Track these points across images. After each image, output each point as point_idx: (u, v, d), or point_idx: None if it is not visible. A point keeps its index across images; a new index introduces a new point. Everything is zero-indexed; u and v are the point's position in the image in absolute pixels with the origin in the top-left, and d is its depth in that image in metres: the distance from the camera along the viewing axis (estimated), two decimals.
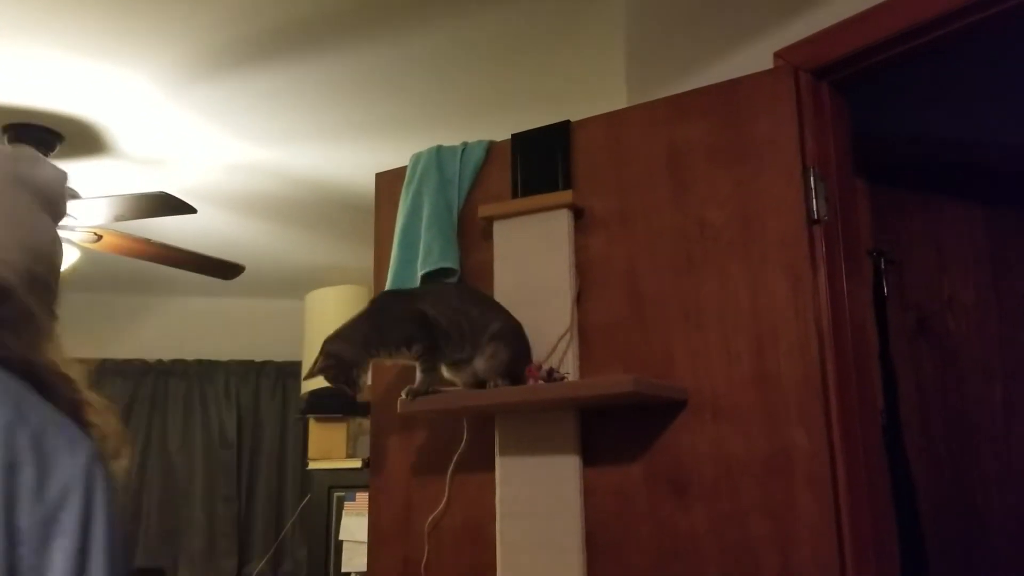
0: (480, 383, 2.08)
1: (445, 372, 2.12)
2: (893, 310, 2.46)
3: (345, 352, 2.07)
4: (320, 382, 4.55)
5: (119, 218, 3.42)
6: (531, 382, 1.98)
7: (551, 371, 2.00)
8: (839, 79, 2.03)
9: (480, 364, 2.05)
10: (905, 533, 2.22)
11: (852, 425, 1.86)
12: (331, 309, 4.73)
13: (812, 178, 1.92)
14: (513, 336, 2.07)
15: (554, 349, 2.07)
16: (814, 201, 1.91)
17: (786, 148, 1.94)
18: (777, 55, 2.05)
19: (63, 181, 1.07)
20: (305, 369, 4.69)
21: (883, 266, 2.45)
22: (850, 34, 1.94)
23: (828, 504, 1.78)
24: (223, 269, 4.06)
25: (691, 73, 2.29)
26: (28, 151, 1.09)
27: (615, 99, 2.52)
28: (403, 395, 2.08)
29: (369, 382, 2.18)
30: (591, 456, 2.03)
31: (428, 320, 2.06)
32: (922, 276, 2.55)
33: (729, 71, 2.08)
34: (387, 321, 2.11)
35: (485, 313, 2.09)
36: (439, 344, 2.06)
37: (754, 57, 2.11)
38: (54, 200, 1.06)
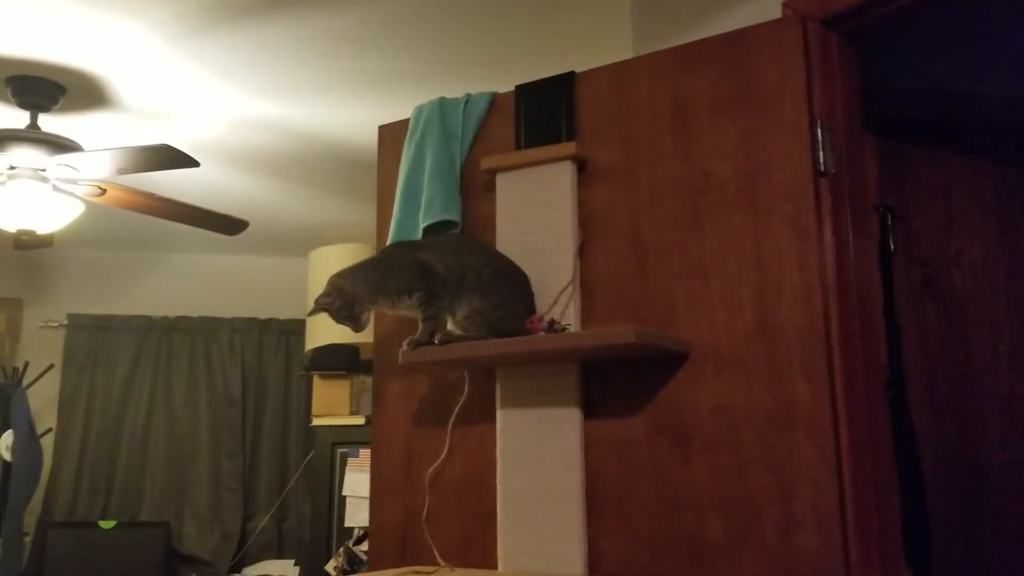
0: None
1: (449, 324, 2.11)
2: (899, 265, 2.45)
3: (349, 287, 2.12)
4: (324, 338, 4.54)
5: (122, 171, 3.40)
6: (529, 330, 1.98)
7: (552, 322, 1.99)
8: (848, 29, 1.99)
9: (459, 313, 2.06)
10: (908, 487, 2.22)
11: (855, 378, 1.85)
12: (335, 267, 4.63)
13: (819, 130, 1.89)
14: (492, 284, 2.05)
15: (556, 301, 2.06)
16: (821, 153, 1.89)
17: (793, 99, 1.91)
18: (785, 5, 2.02)
19: None
20: (312, 331, 4.71)
21: (890, 221, 2.43)
22: None
23: (829, 457, 1.77)
24: (227, 224, 4.04)
25: (698, 24, 2.26)
26: None
27: (621, 51, 2.49)
28: (404, 345, 2.07)
29: (370, 322, 2.19)
30: (592, 408, 2.03)
31: (427, 268, 2.06)
32: (929, 231, 2.53)
33: (737, 21, 2.05)
34: (389, 269, 2.12)
35: (479, 261, 2.08)
36: (438, 292, 2.05)
37: (762, 7, 2.08)
38: None
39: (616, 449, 1.99)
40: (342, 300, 2.12)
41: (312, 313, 2.20)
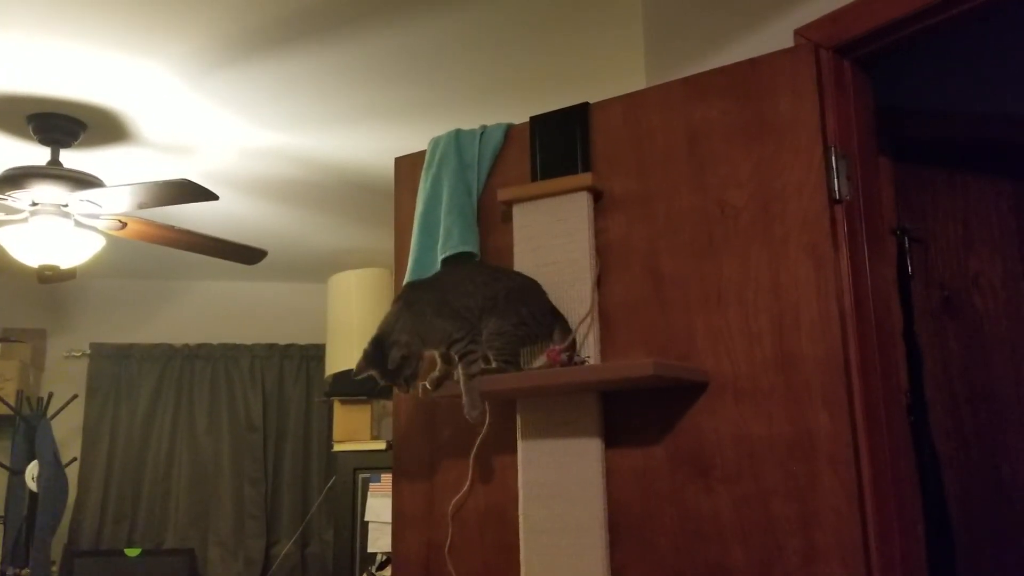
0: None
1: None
2: (918, 288, 2.44)
3: (413, 343, 2.03)
4: (344, 364, 4.54)
5: (142, 205, 3.43)
6: (549, 362, 1.98)
7: (571, 354, 1.99)
8: (862, 56, 2.00)
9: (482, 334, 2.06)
10: (931, 512, 2.21)
11: (875, 405, 1.85)
12: (354, 292, 4.75)
13: (834, 157, 1.90)
14: (509, 304, 2.04)
15: (575, 332, 2.06)
16: (836, 180, 1.89)
17: (807, 127, 1.92)
18: (798, 33, 2.03)
19: None
20: (332, 356, 4.72)
21: (907, 244, 2.42)
22: (872, 10, 1.91)
23: (851, 485, 1.77)
24: (246, 254, 4.07)
25: (711, 53, 2.27)
26: None
27: (634, 80, 2.50)
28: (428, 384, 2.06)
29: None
30: (613, 438, 2.03)
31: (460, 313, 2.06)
32: (948, 254, 2.52)
33: (749, 50, 2.06)
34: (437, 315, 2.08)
35: (496, 287, 2.07)
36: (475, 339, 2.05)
37: (774, 35, 2.09)
38: None
39: (637, 479, 1.99)
40: (414, 357, 2.03)
41: (358, 374, 2.07)
